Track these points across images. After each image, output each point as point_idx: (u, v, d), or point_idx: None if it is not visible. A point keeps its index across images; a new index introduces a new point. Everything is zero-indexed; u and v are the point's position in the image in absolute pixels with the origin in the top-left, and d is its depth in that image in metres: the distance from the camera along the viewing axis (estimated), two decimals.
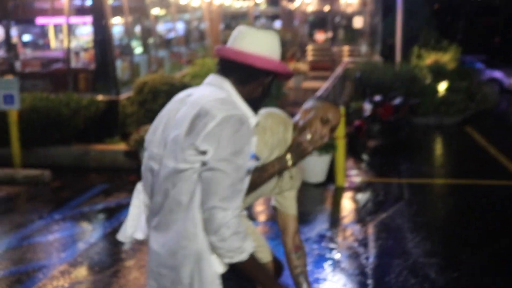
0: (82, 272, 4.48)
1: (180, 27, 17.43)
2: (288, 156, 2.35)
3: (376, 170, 7.88)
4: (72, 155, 7.97)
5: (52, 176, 7.20)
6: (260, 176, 2.31)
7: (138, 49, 11.44)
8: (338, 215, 5.97)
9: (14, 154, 7.64)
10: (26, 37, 13.07)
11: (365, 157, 8.69)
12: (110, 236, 5.16)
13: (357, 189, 6.83)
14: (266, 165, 2.34)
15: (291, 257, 2.56)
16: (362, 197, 6.50)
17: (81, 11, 9.47)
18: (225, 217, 1.81)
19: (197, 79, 9.26)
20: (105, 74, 8.86)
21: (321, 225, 5.50)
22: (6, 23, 9.57)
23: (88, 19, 9.17)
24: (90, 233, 5.38)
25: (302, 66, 16.70)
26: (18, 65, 9.91)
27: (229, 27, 18.60)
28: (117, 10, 9.43)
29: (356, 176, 7.40)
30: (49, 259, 4.69)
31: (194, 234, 1.88)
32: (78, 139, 8.28)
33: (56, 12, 9.23)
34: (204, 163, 1.83)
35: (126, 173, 7.39)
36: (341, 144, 6.79)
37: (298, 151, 2.36)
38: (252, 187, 2.26)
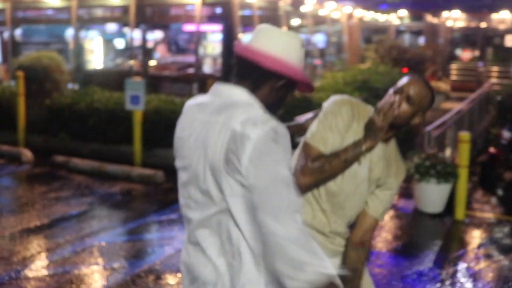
0: (152, 277, 4.44)
1: (319, 39, 17.30)
2: (362, 139, 2.13)
3: (509, 207, 7.01)
4: None
5: (165, 177, 7.38)
6: (330, 163, 2.11)
7: None
8: (449, 253, 5.34)
9: (135, 153, 7.99)
10: (166, 42, 13.80)
11: (499, 190, 7.79)
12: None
13: (479, 225, 6.10)
14: (337, 151, 2.14)
15: (350, 250, 2.29)
16: (483, 235, 5.78)
17: (212, 18, 9.69)
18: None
19: (320, 92, 8.98)
20: (228, 81, 8.96)
21: (427, 262, 4.95)
22: (143, 28, 10.10)
23: (218, 27, 9.35)
24: (169, 241, 5.37)
25: (443, 85, 15.72)
26: (152, 68, 10.45)
27: (369, 41, 18.08)
28: (247, 19, 9.51)
29: (481, 211, 6.63)
30: (134, 259, 4.73)
31: None
32: None
33: (189, 19, 9.54)
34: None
35: None
36: (463, 173, 6.12)
37: (370, 128, 2.14)
38: (323, 177, 2.12)
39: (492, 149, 8.44)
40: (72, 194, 6.65)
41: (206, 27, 10.31)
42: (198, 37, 9.77)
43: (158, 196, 6.72)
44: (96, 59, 14.59)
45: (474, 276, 4.70)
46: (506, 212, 6.73)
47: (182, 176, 1.86)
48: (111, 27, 15.62)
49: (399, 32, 20.14)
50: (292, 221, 1.61)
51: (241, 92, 1.77)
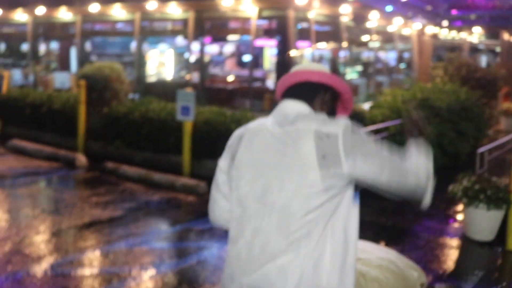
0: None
1: (389, 56, 16.90)
2: None
3: None
4: None
5: (208, 188, 7.36)
6: None
7: None
8: (496, 285, 4.92)
9: (184, 163, 8.05)
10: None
11: None
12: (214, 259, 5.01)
13: None
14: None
15: None
16: None
17: (269, 32, 9.66)
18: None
19: (375, 109, 8.69)
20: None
21: None
22: (201, 41, 10.23)
23: (273, 42, 9.32)
24: (199, 251, 5.28)
25: None
26: (207, 81, 10.56)
27: (441, 60, 17.43)
28: (305, 34, 9.39)
29: None
30: (143, 267, 4.70)
31: None
32: None
33: (246, 31, 9.55)
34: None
35: None
36: None
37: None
38: None
39: None
40: (114, 199, 6.77)
41: (261, 42, 10.31)
42: (261, 52, 9.82)
43: (196, 206, 6.71)
44: (164, 70, 14.99)
45: None
46: None
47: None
48: (180, 40, 16.01)
49: (474, 50, 19.28)
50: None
51: (304, 106, 2.02)
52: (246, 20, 9.53)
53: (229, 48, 14.05)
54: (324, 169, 1.87)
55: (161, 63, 14.05)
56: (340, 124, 1.92)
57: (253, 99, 9.75)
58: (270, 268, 1.86)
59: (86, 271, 4.59)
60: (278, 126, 1.99)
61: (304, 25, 9.57)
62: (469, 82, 12.27)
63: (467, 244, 5.83)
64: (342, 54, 12.18)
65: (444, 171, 7.05)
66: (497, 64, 16.06)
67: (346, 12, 10.63)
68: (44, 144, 9.75)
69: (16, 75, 14.57)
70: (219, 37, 11.33)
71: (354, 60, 13.14)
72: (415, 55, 15.74)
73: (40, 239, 5.30)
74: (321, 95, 2.07)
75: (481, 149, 6.34)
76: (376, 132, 7.78)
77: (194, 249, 5.26)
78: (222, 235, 5.71)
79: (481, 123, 10.54)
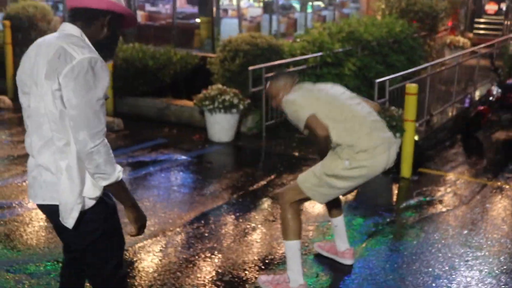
0: None
1: None
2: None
3: (470, 165, 6.63)
4: (155, 107, 8.09)
5: (124, 125, 7.41)
6: None
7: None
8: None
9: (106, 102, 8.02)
10: None
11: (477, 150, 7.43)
12: None
13: (420, 182, 5.82)
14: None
15: None
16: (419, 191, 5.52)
17: None
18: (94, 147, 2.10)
19: (296, 43, 8.62)
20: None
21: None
22: None
23: None
24: None
25: (462, 40, 14.97)
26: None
27: None
28: None
29: (433, 170, 6.32)
30: None
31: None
32: (172, 92, 8.43)
33: None
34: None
35: (194, 131, 7.35)
36: (410, 128, 5.85)
37: None
38: None
39: (480, 107, 8.04)
40: None
41: None
42: None
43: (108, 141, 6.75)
44: None
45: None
46: (470, 173, 6.40)
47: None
48: None
49: None
50: (99, 139, 2.11)
51: (75, 28, 2.23)
52: None
53: None
54: (47, 80, 2.14)
55: None
56: (87, 56, 2.11)
57: (181, 35, 9.66)
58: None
59: None
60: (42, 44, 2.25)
61: None
62: (408, 15, 12.26)
63: None
64: None
65: None
66: None
67: None
68: None
69: None
70: None
71: None
72: None
73: None
74: (101, 20, 2.25)
75: (381, 79, 6.42)
76: (294, 64, 7.80)
77: None
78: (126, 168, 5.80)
79: (415, 56, 10.62)
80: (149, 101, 8.17)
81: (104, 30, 2.26)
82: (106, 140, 2.15)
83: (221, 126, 6.95)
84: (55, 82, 2.09)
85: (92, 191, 2.21)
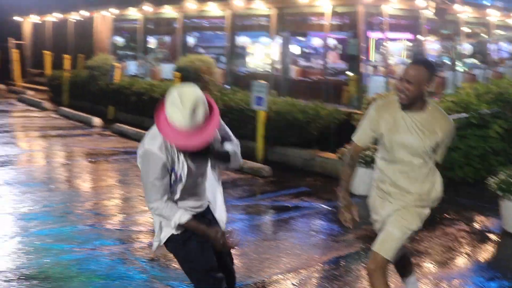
0: None
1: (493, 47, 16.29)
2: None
3: None
4: (302, 157, 8.71)
5: (272, 172, 8.08)
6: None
7: None
8: None
9: (258, 149, 8.84)
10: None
11: None
12: (254, 228, 5.72)
13: None
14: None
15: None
16: None
17: (341, 27, 10.11)
18: None
19: (443, 103, 8.75)
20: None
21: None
22: (285, 35, 10.89)
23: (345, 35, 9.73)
24: (239, 221, 5.99)
25: None
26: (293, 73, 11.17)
27: None
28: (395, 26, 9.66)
29: None
30: None
31: None
32: (318, 145, 8.99)
33: (321, 28, 10.09)
34: None
35: (336, 182, 7.73)
36: None
37: None
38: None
39: None
40: None
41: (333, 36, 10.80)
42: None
43: (255, 186, 7.46)
44: (253, 62, 15.66)
45: None
46: None
47: None
48: (266, 35, 16.68)
49: None
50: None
51: None
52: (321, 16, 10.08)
53: (326, 42, 14.52)
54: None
55: (251, 55, 14.81)
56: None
57: (331, 91, 10.26)
58: None
59: None
60: None
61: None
62: None
63: (506, 237, 5.98)
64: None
65: None
66: None
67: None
68: (144, 129, 11.02)
69: (132, 65, 16.25)
70: (299, 33, 11.95)
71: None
72: None
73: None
74: None
75: None
76: None
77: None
78: (267, 212, 6.39)
79: None
80: (296, 152, 8.82)
81: None
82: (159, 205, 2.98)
83: (361, 180, 7.30)
84: None
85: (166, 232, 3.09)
